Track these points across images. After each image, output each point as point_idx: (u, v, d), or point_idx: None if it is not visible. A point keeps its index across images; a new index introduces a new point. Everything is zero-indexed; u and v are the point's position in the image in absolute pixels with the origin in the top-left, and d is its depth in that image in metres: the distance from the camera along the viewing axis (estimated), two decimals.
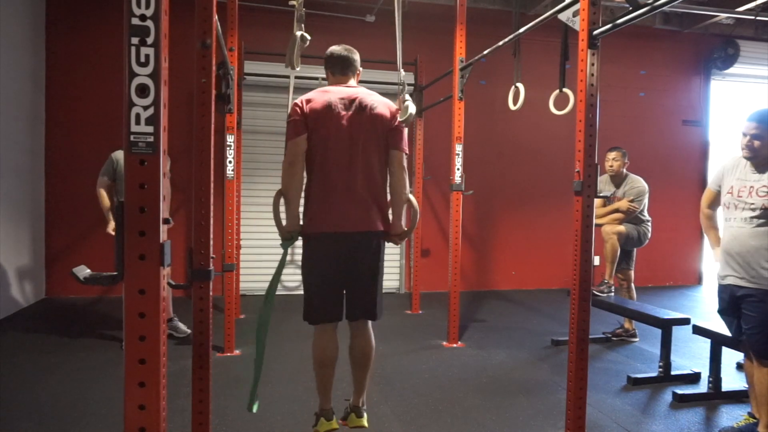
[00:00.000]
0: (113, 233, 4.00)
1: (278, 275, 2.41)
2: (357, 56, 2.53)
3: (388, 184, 2.49)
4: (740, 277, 2.61)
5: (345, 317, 2.49)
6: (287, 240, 2.44)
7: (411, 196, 2.50)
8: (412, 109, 2.32)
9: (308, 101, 2.36)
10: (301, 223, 2.45)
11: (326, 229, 2.37)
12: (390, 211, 2.50)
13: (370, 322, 2.52)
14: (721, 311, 2.80)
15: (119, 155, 4.05)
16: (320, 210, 2.38)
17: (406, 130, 2.47)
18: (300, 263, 2.54)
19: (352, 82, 2.51)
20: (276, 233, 2.50)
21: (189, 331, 4.27)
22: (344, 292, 2.46)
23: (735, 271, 2.64)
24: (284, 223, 2.43)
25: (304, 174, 2.41)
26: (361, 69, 2.57)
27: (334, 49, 2.51)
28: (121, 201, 1.19)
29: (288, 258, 2.50)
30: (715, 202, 2.89)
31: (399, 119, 2.38)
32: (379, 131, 2.38)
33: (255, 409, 2.39)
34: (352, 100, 2.37)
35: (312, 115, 2.33)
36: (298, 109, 2.35)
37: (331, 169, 2.36)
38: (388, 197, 2.50)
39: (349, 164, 2.36)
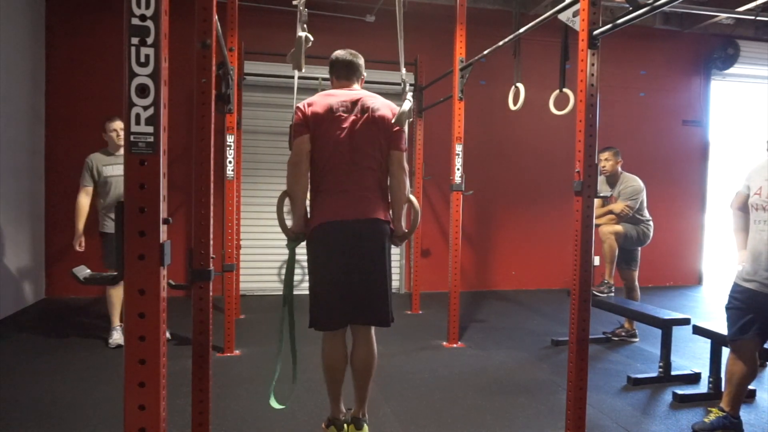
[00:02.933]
0: (80, 249, 4.01)
1: (291, 274, 2.43)
2: (362, 61, 2.54)
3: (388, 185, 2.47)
4: None
5: (351, 321, 2.43)
6: (293, 241, 2.44)
7: (412, 197, 2.48)
8: (405, 107, 2.30)
9: (310, 104, 2.37)
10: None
11: (329, 218, 2.32)
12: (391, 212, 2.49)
13: (373, 329, 2.46)
14: (730, 308, 2.75)
15: (96, 158, 4.07)
16: (323, 205, 2.36)
17: (405, 131, 2.46)
18: (305, 266, 2.51)
19: (356, 86, 2.50)
20: (278, 233, 2.50)
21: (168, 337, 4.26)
22: (352, 294, 2.37)
23: (764, 278, 2.57)
24: (289, 224, 2.44)
25: (309, 175, 2.40)
26: (365, 74, 2.58)
27: (339, 53, 2.51)
28: (121, 201, 1.19)
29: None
30: (745, 204, 2.82)
31: (392, 121, 2.38)
32: (381, 132, 2.37)
33: (276, 404, 2.48)
34: (354, 103, 2.37)
35: (313, 118, 2.34)
36: (300, 112, 2.37)
37: (333, 170, 2.35)
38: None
39: (351, 165, 2.35)
